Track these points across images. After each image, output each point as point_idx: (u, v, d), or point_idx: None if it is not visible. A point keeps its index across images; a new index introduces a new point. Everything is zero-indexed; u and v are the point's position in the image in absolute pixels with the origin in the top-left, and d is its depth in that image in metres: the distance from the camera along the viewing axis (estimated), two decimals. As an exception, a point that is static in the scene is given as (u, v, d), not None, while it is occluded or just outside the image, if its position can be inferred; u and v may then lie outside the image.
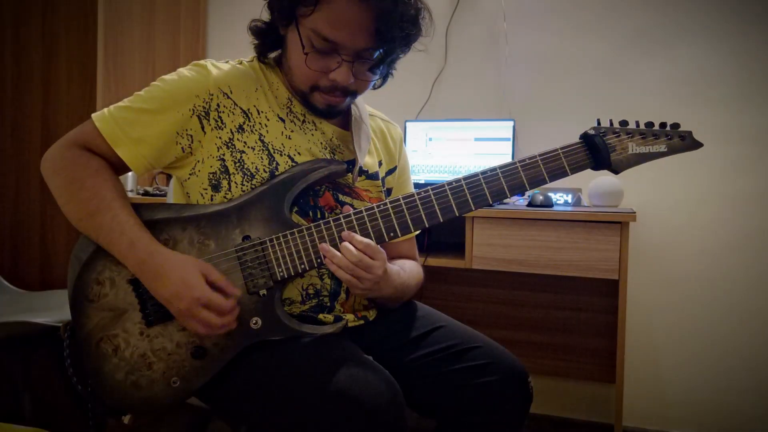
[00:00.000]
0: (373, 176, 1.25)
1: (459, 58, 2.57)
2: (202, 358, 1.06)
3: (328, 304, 1.16)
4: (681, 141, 1.14)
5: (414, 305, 1.30)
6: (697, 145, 1.15)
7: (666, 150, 1.13)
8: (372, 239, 1.07)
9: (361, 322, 1.21)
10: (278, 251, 1.07)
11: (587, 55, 2.40)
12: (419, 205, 1.07)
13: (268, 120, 1.15)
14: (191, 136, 1.12)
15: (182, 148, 1.12)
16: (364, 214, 1.08)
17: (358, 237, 1.05)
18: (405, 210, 1.08)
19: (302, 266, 1.07)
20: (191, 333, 1.06)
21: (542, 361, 2.42)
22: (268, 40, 1.17)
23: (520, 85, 2.48)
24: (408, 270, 1.25)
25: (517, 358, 1.18)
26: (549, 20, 2.44)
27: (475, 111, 2.53)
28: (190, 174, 1.14)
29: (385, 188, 1.29)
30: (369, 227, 1.08)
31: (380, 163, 1.29)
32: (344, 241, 1.05)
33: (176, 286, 1.00)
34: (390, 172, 1.31)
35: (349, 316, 1.19)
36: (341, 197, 1.20)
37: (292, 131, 1.16)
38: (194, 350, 1.06)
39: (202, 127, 1.11)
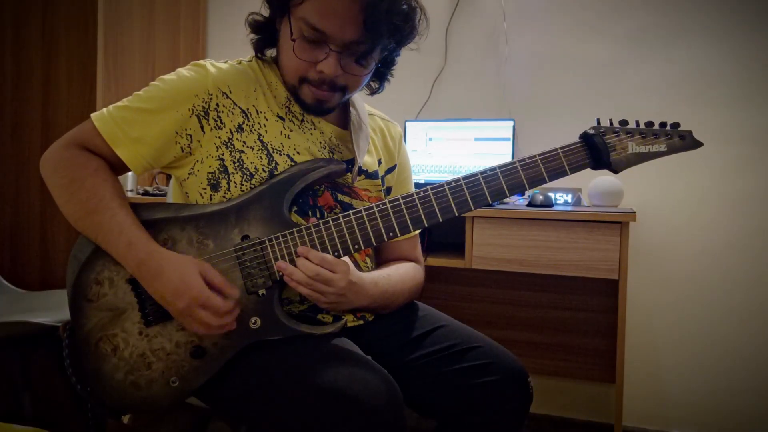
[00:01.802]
0: (372, 175, 1.24)
1: (459, 57, 2.57)
2: (201, 357, 1.06)
3: None
4: (681, 140, 1.13)
5: (414, 305, 1.29)
6: (697, 144, 1.14)
7: (666, 150, 1.12)
8: (371, 239, 1.07)
9: (361, 321, 1.21)
10: (277, 251, 1.07)
11: (587, 55, 2.40)
12: (418, 204, 1.07)
13: (267, 120, 1.15)
14: (190, 136, 1.12)
15: (181, 147, 1.12)
16: (363, 214, 1.08)
17: (314, 252, 1.05)
18: (404, 210, 1.07)
19: (301, 266, 1.07)
20: (190, 333, 1.06)
21: (542, 361, 2.42)
22: (266, 35, 1.17)
23: (520, 84, 2.48)
24: (398, 276, 1.23)
25: (517, 358, 1.17)
26: (549, 20, 2.44)
27: (475, 111, 2.53)
28: (189, 174, 1.14)
29: (384, 187, 1.29)
30: (368, 227, 1.07)
31: (379, 162, 1.29)
32: (300, 256, 1.05)
33: (175, 286, 1.00)
34: (389, 170, 1.31)
35: (348, 316, 1.19)
36: (340, 197, 1.20)
37: (291, 131, 1.16)
38: (193, 350, 1.06)
39: (201, 127, 1.12)
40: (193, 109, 1.11)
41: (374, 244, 1.08)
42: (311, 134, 1.18)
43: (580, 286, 2.35)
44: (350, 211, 1.08)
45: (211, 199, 1.13)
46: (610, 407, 2.38)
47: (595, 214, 1.86)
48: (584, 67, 2.40)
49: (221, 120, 1.12)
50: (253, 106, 1.15)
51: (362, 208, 1.08)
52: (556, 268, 1.88)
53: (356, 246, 1.08)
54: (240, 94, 1.14)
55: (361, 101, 1.29)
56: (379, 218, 1.08)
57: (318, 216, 1.16)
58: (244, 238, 1.08)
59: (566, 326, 2.38)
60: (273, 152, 1.14)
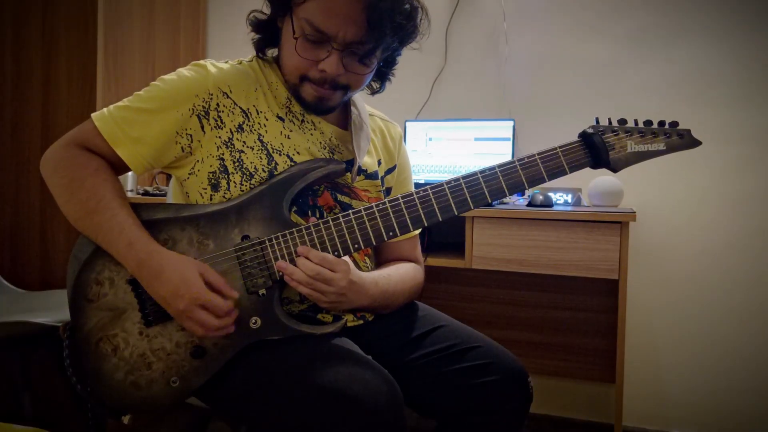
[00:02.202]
0: (372, 176, 1.25)
1: (459, 57, 2.57)
2: (201, 357, 1.06)
3: None
4: (680, 139, 1.13)
5: (414, 305, 1.29)
6: (696, 143, 1.14)
7: (665, 148, 1.12)
8: (371, 239, 1.07)
9: (360, 321, 1.21)
10: (277, 251, 1.07)
11: (587, 55, 2.40)
12: (418, 204, 1.07)
13: (267, 120, 1.15)
14: (191, 136, 1.12)
15: (182, 147, 1.12)
16: (363, 213, 1.08)
17: (314, 251, 1.05)
18: (404, 209, 1.07)
19: (301, 266, 1.07)
20: (190, 333, 1.06)
21: (542, 361, 2.42)
22: (267, 33, 1.17)
23: (520, 85, 2.48)
24: (398, 276, 1.23)
25: (517, 358, 1.17)
26: (549, 20, 2.44)
27: (475, 111, 2.53)
28: (189, 174, 1.14)
29: (384, 187, 1.29)
30: (368, 227, 1.07)
31: (379, 162, 1.29)
32: (300, 256, 1.05)
33: (174, 286, 1.00)
34: (389, 171, 1.31)
35: (348, 316, 1.19)
36: (340, 197, 1.20)
37: (291, 131, 1.16)
38: (193, 350, 1.06)
39: (202, 127, 1.12)
40: (193, 109, 1.11)
41: (374, 243, 1.08)
42: (311, 134, 1.18)
43: (580, 286, 2.35)
44: (350, 211, 1.08)
45: (211, 199, 1.13)
46: (610, 407, 2.38)
47: (595, 214, 1.86)
48: (584, 67, 2.40)
49: (221, 120, 1.12)
50: (254, 106, 1.15)
51: (362, 207, 1.08)
52: (556, 268, 1.88)
53: (356, 246, 1.08)
54: (240, 93, 1.14)
55: (362, 101, 1.29)
56: (378, 218, 1.08)
57: (318, 216, 1.16)
58: (244, 238, 1.09)
59: (566, 326, 2.38)
60: (273, 152, 1.14)
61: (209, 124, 1.12)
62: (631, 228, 1.95)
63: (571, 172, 1.09)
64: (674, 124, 1.14)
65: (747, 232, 2.23)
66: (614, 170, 1.11)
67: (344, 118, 1.24)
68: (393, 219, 1.07)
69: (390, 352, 1.18)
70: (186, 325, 1.03)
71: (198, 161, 1.13)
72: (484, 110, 2.52)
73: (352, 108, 1.23)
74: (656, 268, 2.32)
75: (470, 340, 1.18)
